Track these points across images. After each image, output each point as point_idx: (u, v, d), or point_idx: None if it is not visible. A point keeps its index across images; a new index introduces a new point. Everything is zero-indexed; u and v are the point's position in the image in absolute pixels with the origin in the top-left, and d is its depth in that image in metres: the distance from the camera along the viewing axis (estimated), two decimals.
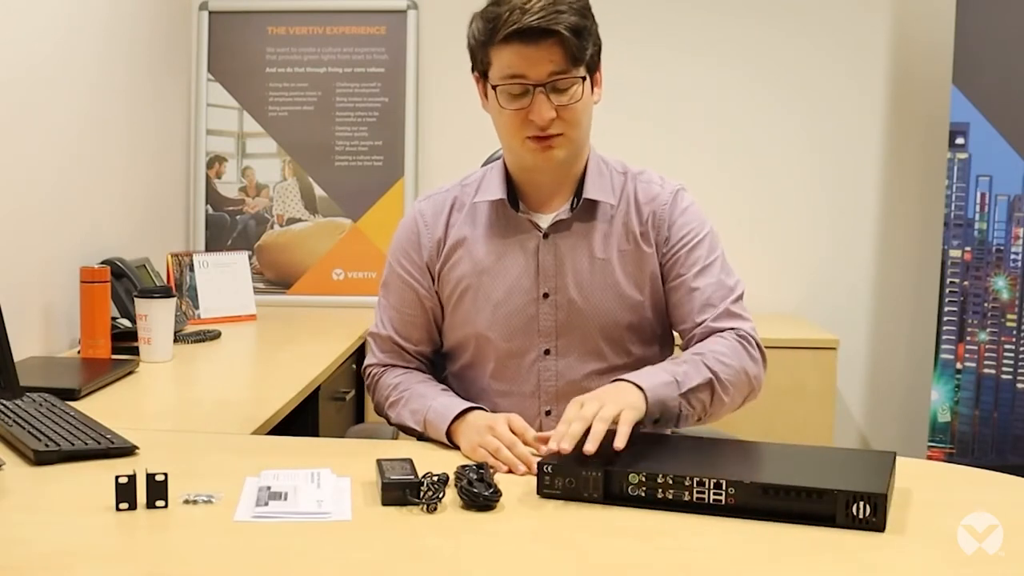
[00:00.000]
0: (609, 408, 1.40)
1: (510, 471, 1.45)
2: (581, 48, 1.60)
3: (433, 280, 1.77)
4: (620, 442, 1.37)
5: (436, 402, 1.65)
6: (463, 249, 1.74)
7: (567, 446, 1.34)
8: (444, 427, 1.60)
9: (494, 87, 1.62)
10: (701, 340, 1.69)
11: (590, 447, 1.34)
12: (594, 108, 1.70)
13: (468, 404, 1.63)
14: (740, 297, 1.73)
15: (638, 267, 1.72)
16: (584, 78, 1.62)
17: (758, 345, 1.69)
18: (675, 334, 1.81)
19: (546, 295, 1.71)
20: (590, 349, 1.72)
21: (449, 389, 1.75)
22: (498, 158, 1.82)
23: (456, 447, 1.58)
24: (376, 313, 1.83)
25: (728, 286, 1.72)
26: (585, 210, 1.72)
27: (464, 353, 1.78)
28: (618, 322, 1.71)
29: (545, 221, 1.72)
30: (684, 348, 1.73)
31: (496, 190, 1.73)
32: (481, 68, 1.66)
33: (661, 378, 1.55)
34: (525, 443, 1.49)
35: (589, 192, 1.71)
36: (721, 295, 1.70)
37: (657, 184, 1.75)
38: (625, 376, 1.54)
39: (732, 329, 1.68)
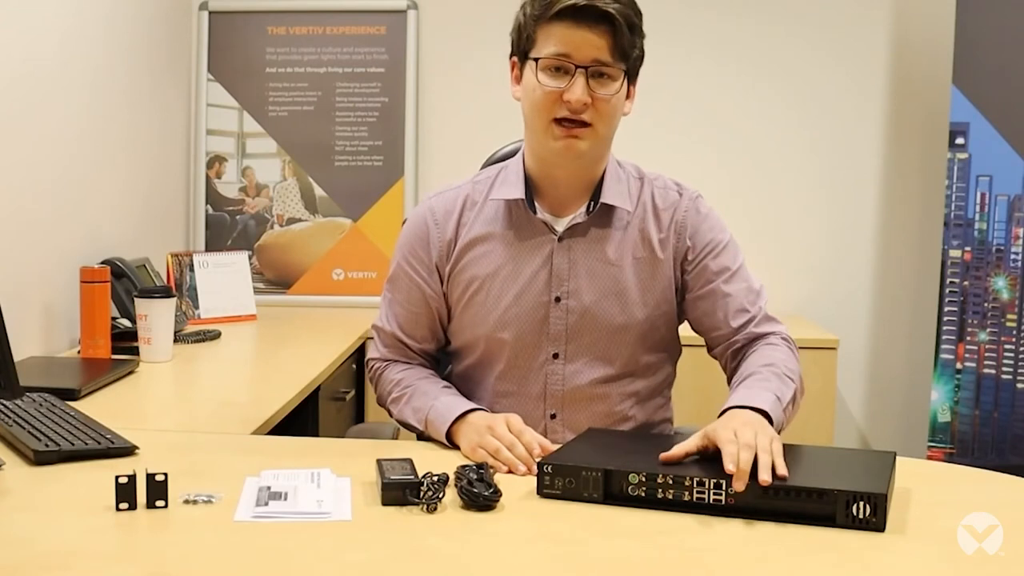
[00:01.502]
0: (763, 438, 1.35)
1: (510, 471, 1.45)
2: (630, 44, 1.61)
3: (442, 281, 1.76)
4: (783, 471, 1.30)
5: (438, 402, 1.65)
6: (475, 250, 1.73)
7: (740, 487, 1.27)
8: (444, 428, 1.60)
9: (536, 60, 1.62)
10: (745, 346, 1.70)
11: (766, 477, 1.27)
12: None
13: (470, 405, 1.63)
14: (765, 298, 1.74)
15: (652, 275, 1.71)
16: (624, 74, 1.63)
17: (795, 346, 1.72)
18: (679, 339, 1.81)
19: (558, 299, 1.70)
20: (599, 355, 1.71)
21: (451, 387, 1.75)
22: (498, 159, 1.81)
23: (456, 447, 1.58)
24: (381, 306, 1.82)
25: (755, 290, 1.73)
26: (601, 215, 1.71)
27: (472, 354, 1.77)
28: (628, 329, 1.71)
29: (561, 224, 1.71)
30: (725, 355, 1.73)
31: (514, 188, 1.72)
32: (524, 48, 1.65)
33: (768, 398, 1.51)
34: (523, 443, 1.48)
35: (607, 197, 1.70)
36: (751, 299, 1.72)
37: (674, 190, 1.75)
38: (740, 403, 1.48)
39: (774, 333, 1.70)
